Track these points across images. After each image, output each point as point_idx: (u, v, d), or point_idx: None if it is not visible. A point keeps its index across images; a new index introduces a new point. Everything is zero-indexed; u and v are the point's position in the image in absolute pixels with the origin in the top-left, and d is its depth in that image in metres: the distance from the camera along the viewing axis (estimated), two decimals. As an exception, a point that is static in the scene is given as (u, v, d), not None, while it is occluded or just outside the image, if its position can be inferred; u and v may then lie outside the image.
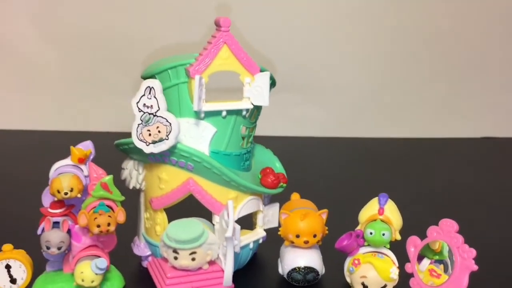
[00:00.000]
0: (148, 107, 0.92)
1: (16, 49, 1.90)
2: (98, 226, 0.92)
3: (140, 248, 1.06)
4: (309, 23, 1.91)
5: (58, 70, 1.93)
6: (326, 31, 1.92)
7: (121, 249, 1.01)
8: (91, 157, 1.00)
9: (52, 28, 1.88)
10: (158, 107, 0.92)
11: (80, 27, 1.88)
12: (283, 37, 1.88)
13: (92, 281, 0.92)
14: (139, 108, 0.93)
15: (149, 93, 0.92)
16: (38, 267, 0.99)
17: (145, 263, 1.07)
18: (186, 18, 1.82)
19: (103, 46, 1.89)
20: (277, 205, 1.09)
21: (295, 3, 1.88)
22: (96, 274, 0.92)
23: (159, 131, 0.93)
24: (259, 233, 1.07)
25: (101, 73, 1.92)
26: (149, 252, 1.05)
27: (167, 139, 0.93)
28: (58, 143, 1.81)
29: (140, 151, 0.94)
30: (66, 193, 0.93)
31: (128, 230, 1.03)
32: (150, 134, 0.93)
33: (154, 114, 0.92)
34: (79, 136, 1.84)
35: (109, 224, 0.92)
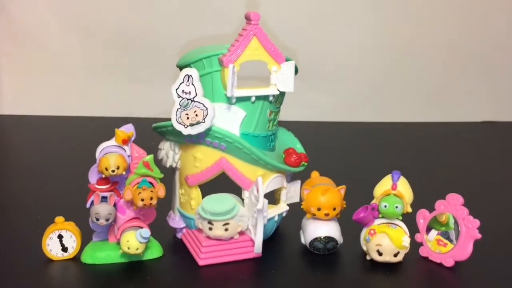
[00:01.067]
0: (186, 93, 1.02)
1: (39, 38, 1.98)
2: (142, 200, 1.02)
3: (175, 221, 1.16)
4: (318, 15, 2.00)
5: (79, 59, 2.01)
6: (334, 22, 2.01)
7: (156, 222, 1.10)
8: (133, 139, 1.10)
9: (73, 18, 1.97)
10: (196, 93, 1.02)
11: (98, 18, 1.96)
12: (293, 27, 1.97)
13: (137, 249, 1.03)
14: (178, 94, 1.02)
15: (188, 80, 1.02)
16: (85, 237, 1.09)
17: (179, 235, 1.17)
18: (215, 12, 1.93)
19: (125, 36, 1.97)
20: (298, 182, 1.19)
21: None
22: (141, 242, 1.02)
23: (196, 115, 1.03)
24: (282, 207, 1.17)
25: (120, 61, 2.01)
26: (183, 225, 1.15)
27: (203, 122, 1.03)
28: (83, 128, 1.94)
29: (178, 133, 1.04)
30: (113, 171, 1.03)
31: (162, 205, 1.12)
32: (188, 118, 1.03)
33: (192, 99, 1.02)
34: (100, 121, 1.98)
35: (151, 198, 1.02)
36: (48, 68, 2.01)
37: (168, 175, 1.15)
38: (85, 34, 1.98)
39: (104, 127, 1.62)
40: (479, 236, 1.05)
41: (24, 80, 2.02)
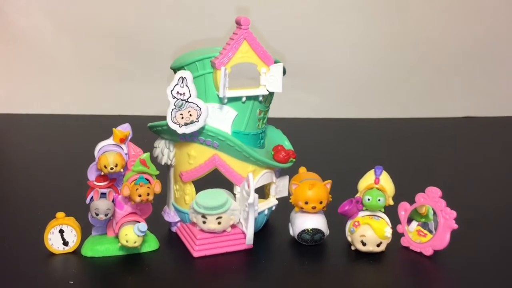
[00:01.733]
0: (181, 94, 1.07)
1: (33, 38, 2.02)
2: (140, 195, 1.07)
3: (170, 216, 1.22)
4: (305, 17, 2.05)
5: (71, 59, 2.06)
6: (320, 23, 2.07)
7: (151, 217, 1.15)
8: (130, 138, 1.15)
9: (66, 20, 2.01)
10: (190, 94, 1.07)
11: (93, 19, 2.00)
12: (281, 29, 2.03)
13: (135, 242, 1.08)
14: (173, 95, 1.08)
15: (182, 82, 1.07)
16: (85, 232, 1.14)
17: (174, 229, 1.22)
18: (207, 16, 1.99)
19: (115, 37, 2.02)
20: (287, 177, 1.25)
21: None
22: (138, 236, 1.08)
23: (190, 115, 1.08)
24: (272, 202, 1.23)
25: (111, 61, 2.06)
26: (178, 219, 1.21)
27: (197, 122, 1.08)
28: (77, 126, 1.99)
29: (172, 132, 1.10)
30: (111, 168, 1.07)
31: (157, 200, 1.15)
32: (182, 117, 1.08)
33: (186, 100, 1.08)
34: (92, 120, 2.03)
35: (148, 194, 1.08)
36: (43, 67, 2.05)
37: (163, 172, 1.20)
38: (79, 35, 2.02)
39: (99, 125, 1.67)
40: (456, 226, 1.11)
41: (19, 79, 2.06)
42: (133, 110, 2.03)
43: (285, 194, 1.25)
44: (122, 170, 1.10)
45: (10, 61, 2.05)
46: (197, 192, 1.16)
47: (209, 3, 2.00)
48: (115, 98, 2.09)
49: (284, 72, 1.16)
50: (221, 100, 1.11)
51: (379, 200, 1.13)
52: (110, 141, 1.13)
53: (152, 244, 1.15)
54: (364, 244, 1.12)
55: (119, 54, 2.05)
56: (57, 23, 2.01)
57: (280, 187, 1.24)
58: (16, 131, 1.95)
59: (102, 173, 1.10)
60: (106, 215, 1.09)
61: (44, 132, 1.93)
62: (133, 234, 1.08)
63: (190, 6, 2.00)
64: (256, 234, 1.15)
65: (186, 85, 1.07)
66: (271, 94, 1.17)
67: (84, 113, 2.08)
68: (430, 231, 1.17)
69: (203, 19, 2.00)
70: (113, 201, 1.11)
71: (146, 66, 2.05)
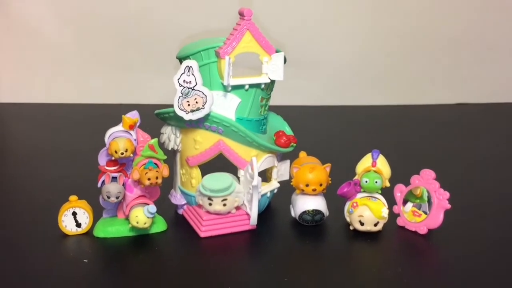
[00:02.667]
0: (187, 82, 1.12)
1: (37, 28, 2.06)
2: (149, 179, 1.13)
3: (177, 198, 1.27)
4: (306, 5, 2.10)
5: (74, 49, 2.10)
6: (320, 13, 2.11)
7: (158, 200, 1.20)
8: (138, 124, 1.19)
9: (69, 9, 2.04)
10: (196, 83, 1.12)
11: (96, 9, 2.04)
12: (282, 20, 2.07)
13: (145, 223, 1.14)
14: (179, 84, 1.13)
15: (188, 71, 1.12)
16: (96, 214, 1.19)
17: (180, 211, 1.28)
18: (211, 8, 2.05)
19: (118, 27, 2.06)
20: (288, 161, 1.31)
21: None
22: (148, 217, 1.13)
23: (196, 102, 1.13)
24: (274, 185, 1.28)
25: (114, 51, 2.10)
26: (184, 202, 1.26)
27: (203, 108, 1.14)
28: (80, 114, 2.03)
29: (179, 118, 1.15)
30: (122, 153, 1.13)
31: (163, 184, 1.19)
32: (189, 105, 1.13)
33: (193, 88, 1.13)
34: (96, 108, 2.07)
35: (157, 178, 1.13)
36: (46, 57, 2.09)
37: (169, 157, 1.24)
38: (83, 25, 2.06)
39: (103, 113, 1.71)
40: (449, 206, 1.16)
41: (22, 69, 2.10)
42: (134, 99, 2.08)
43: (287, 177, 1.31)
44: (131, 155, 1.15)
45: (14, 51, 2.09)
46: (202, 175, 1.21)
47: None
48: (117, 87, 2.13)
49: (285, 61, 1.21)
50: (225, 88, 1.16)
51: (376, 182, 1.18)
52: (119, 127, 1.17)
53: (160, 226, 1.20)
54: (362, 224, 1.17)
55: (122, 43, 2.09)
56: (60, 13, 2.04)
57: (281, 171, 1.30)
58: (23, 120, 1.99)
59: (113, 158, 1.15)
60: (117, 198, 1.14)
61: (49, 121, 1.97)
62: (143, 216, 1.13)
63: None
64: (259, 216, 1.20)
65: (192, 74, 1.12)
66: (272, 82, 1.21)
67: (88, 102, 2.13)
68: (425, 212, 1.22)
69: (206, 10, 2.04)
70: (123, 184, 1.16)
71: (148, 55, 2.09)
